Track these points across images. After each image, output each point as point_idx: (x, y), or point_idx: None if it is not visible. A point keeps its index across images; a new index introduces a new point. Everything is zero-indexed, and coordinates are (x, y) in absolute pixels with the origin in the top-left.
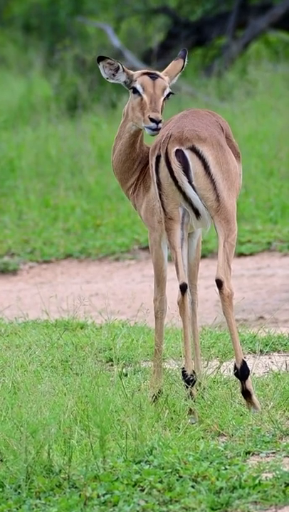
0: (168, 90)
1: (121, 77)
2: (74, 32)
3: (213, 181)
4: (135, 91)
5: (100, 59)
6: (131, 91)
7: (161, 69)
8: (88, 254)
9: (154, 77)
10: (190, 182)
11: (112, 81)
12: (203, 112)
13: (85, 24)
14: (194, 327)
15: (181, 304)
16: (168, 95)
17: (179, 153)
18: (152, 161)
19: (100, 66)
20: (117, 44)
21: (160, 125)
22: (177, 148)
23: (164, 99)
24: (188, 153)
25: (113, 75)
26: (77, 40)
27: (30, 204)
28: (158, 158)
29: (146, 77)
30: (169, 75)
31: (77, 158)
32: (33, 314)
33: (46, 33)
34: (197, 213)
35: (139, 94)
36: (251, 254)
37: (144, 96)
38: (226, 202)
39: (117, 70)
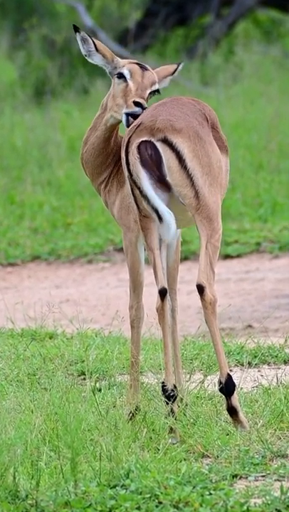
0: (156, 86)
1: (95, 58)
2: (42, 10)
3: (190, 176)
4: (121, 76)
5: (76, 29)
6: (115, 76)
7: (138, 50)
8: (58, 255)
9: (144, 68)
10: (164, 178)
11: (90, 60)
12: (185, 99)
13: (54, 1)
14: (174, 336)
15: (161, 311)
16: (154, 92)
17: (150, 145)
18: (123, 154)
19: (78, 39)
20: (90, 23)
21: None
22: (146, 139)
23: (150, 93)
24: (160, 146)
25: (90, 53)
26: (45, 19)
27: None
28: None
29: (136, 66)
30: (157, 74)
31: (45, 149)
32: None
33: (11, 11)
34: (158, 215)
35: (125, 80)
36: (238, 256)
37: (131, 83)
38: (206, 199)
39: (90, 48)
